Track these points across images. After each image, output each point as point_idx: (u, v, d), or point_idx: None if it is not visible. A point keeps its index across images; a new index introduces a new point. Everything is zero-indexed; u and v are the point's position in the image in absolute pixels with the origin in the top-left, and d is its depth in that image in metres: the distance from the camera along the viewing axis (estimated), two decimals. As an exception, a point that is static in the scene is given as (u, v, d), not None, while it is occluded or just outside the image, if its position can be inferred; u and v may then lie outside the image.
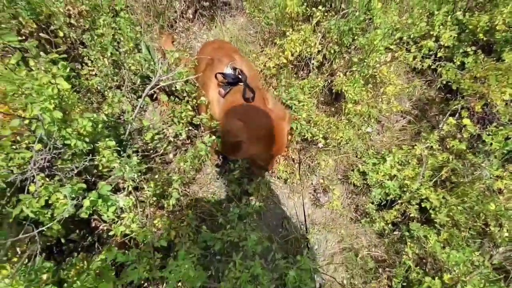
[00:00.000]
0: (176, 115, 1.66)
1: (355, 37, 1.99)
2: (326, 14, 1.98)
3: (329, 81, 2.16)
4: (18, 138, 0.97)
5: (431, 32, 1.94)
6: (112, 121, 1.62)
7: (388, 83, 2.01)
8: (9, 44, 1.08)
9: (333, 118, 1.98)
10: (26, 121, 0.94)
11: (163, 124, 2.09)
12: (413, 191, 1.83)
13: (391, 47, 2.00)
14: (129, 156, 1.24)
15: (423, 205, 1.76)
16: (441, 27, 1.91)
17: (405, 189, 1.88)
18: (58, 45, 1.63)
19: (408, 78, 2.66)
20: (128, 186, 1.15)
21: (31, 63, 0.96)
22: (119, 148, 1.23)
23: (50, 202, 1.08)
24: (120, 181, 1.22)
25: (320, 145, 1.87)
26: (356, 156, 2.21)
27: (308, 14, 1.94)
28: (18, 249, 1.03)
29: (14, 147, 0.95)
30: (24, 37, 1.46)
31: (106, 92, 1.84)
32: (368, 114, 2.00)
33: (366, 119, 2.05)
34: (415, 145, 2.00)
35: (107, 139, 1.16)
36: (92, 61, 1.73)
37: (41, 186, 1.03)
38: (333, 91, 2.01)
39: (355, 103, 1.96)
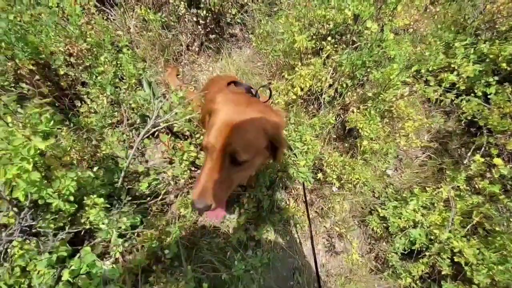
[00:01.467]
0: (178, 156, 1.54)
1: (369, 70, 1.87)
2: (336, 46, 1.89)
3: (342, 116, 2.02)
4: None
5: (452, 65, 1.81)
6: (105, 167, 1.50)
7: (406, 118, 1.86)
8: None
9: (348, 158, 1.81)
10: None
11: (163, 162, 1.98)
12: (443, 241, 1.61)
13: (408, 79, 1.87)
14: (119, 215, 1.09)
15: (455, 259, 1.53)
16: (464, 59, 1.78)
17: (432, 238, 1.66)
18: (49, 93, 1.54)
19: (425, 108, 2.51)
20: (115, 253, 1.00)
21: (9, 119, 0.86)
22: (108, 205, 1.09)
23: (27, 269, 0.94)
24: (107, 244, 1.07)
25: (334, 188, 1.70)
26: (374, 196, 2.02)
27: (318, 48, 1.84)
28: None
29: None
30: (20, 79, 1.39)
31: (104, 131, 1.74)
32: (386, 151, 1.83)
33: (383, 157, 1.88)
34: (440, 185, 1.81)
35: (94, 196, 1.02)
36: (91, 100, 1.64)
37: (15, 254, 0.89)
38: (346, 127, 1.86)
39: (371, 140, 1.81)
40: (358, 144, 1.86)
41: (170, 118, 1.34)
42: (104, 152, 1.66)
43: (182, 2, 2.02)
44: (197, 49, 2.40)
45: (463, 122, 2.05)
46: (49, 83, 1.79)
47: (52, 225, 1.05)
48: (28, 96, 1.44)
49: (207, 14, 2.12)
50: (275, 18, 2.18)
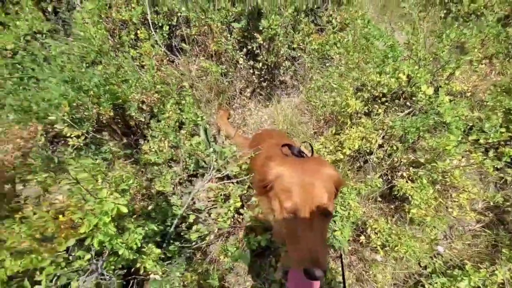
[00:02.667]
0: (225, 207, 1.62)
1: (421, 134, 1.83)
2: (388, 108, 1.90)
3: (388, 176, 1.98)
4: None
5: (515, 139, 1.71)
6: (158, 203, 1.63)
7: (461, 189, 1.76)
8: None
9: (393, 222, 1.75)
10: (81, 236, 0.95)
11: (208, 201, 2.08)
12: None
13: (466, 147, 1.79)
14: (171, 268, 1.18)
15: None
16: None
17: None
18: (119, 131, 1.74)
19: (480, 172, 2.34)
20: (167, 308, 1.07)
21: (99, 179, 1.01)
22: (163, 256, 1.18)
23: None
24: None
25: (378, 257, 1.63)
26: (419, 265, 1.89)
27: (369, 110, 1.87)
28: None
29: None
30: (100, 122, 1.62)
31: (161, 168, 1.90)
32: (437, 222, 1.73)
33: (432, 229, 1.77)
34: (495, 265, 1.65)
35: (152, 246, 1.12)
36: (153, 142, 1.82)
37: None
38: (394, 192, 1.81)
39: (420, 209, 1.73)
40: (406, 210, 1.79)
41: (223, 169, 1.43)
42: (157, 188, 1.81)
43: (241, 56, 2.20)
44: (249, 94, 2.56)
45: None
46: (119, 121, 2.03)
47: (112, 267, 1.16)
48: (106, 139, 1.66)
49: (262, 67, 2.27)
50: (326, 73, 2.27)
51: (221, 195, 1.81)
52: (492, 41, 2.64)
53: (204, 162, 1.81)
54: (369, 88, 1.85)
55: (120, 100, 1.81)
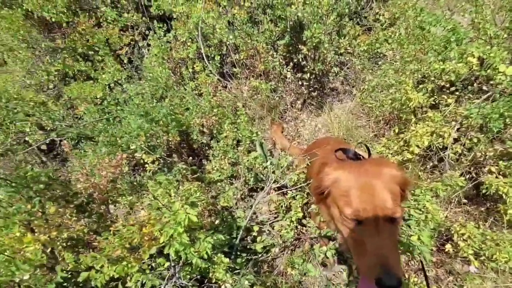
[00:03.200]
0: (287, 218, 1.62)
1: (509, 121, 1.56)
2: (459, 98, 1.68)
3: (473, 174, 1.71)
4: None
5: None
6: (223, 218, 1.72)
7: None
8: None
9: (487, 228, 1.48)
10: (161, 245, 1.08)
11: (271, 215, 2.11)
12: None
13: None
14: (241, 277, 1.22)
15: None
16: None
17: None
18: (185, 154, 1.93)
19: None
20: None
21: (172, 193, 1.15)
22: (231, 265, 1.24)
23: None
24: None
25: (472, 268, 1.39)
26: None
27: (437, 101, 1.69)
28: None
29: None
30: (171, 150, 1.84)
31: (223, 185, 2.03)
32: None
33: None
34: None
35: (222, 255, 1.18)
36: (215, 161, 1.97)
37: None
38: (481, 190, 1.55)
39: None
40: (502, 212, 1.50)
41: (283, 182, 1.45)
42: (222, 204, 1.92)
43: (288, 71, 2.26)
44: (300, 106, 2.58)
45: None
46: (185, 145, 2.26)
47: (188, 276, 1.26)
48: (175, 162, 1.87)
49: (310, 77, 2.28)
50: (379, 72, 2.15)
51: (281, 206, 1.82)
52: None
53: (262, 175, 1.86)
54: (432, 78, 1.69)
55: (184, 127, 2.03)
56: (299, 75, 2.32)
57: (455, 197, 1.67)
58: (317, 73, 2.28)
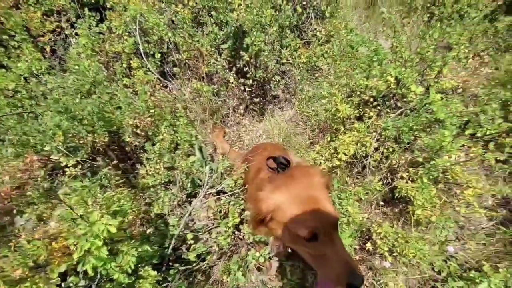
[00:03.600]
0: (223, 224, 1.59)
1: (417, 133, 1.82)
2: (380, 111, 1.90)
3: (389, 179, 1.94)
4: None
5: (513, 129, 1.67)
6: (156, 226, 1.61)
7: (465, 185, 1.71)
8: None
9: (399, 227, 1.69)
10: (74, 261, 0.94)
11: (209, 222, 2.05)
12: None
13: (465, 143, 1.76)
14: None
15: None
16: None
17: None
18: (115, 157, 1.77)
19: (484, 167, 2.29)
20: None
21: (89, 202, 1.02)
22: (160, 278, 1.15)
23: None
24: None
25: (387, 264, 1.56)
26: (433, 270, 1.80)
27: (361, 114, 1.87)
28: None
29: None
30: (96, 152, 1.65)
31: (158, 191, 1.90)
32: (444, 222, 1.67)
33: (441, 228, 1.71)
34: (515, 264, 1.56)
35: (149, 268, 1.09)
36: (150, 165, 1.84)
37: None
38: (395, 193, 1.77)
39: (425, 209, 1.68)
40: (411, 212, 1.73)
41: (220, 187, 1.42)
42: (156, 211, 1.79)
43: (231, 75, 2.26)
44: (242, 111, 2.60)
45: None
46: (115, 147, 2.06)
47: (109, 295, 1.13)
48: (101, 166, 1.68)
49: (252, 83, 2.32)
50: (316, 84, 2.31)
51: (220, 211, 1.79)
52: (480, 38, 2.69)
53: (200, 180, 1.80)
54: (358, 93, 1.87)
55: (115, 127, 1.85)
56: (242, 80, 2.33)
57: (374, 200, 1.86)
58: (259, 80, 2.33)
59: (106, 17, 2.38)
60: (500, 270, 1.55)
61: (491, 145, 1.72)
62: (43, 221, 1.32)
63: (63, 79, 1.90)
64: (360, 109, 1.84)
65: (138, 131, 1.85)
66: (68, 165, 1.57)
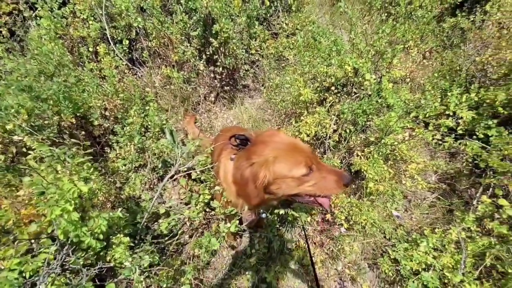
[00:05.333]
0: (194, 199, 1.67)
1: (370, 117, 2.03)
2: (339, 96, 2.09)
3: (347, 158, 2.14)
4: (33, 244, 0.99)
5: (447, 112, 1.94)
6: (127, 207, 1.65)
7: (409, 161, 1.96)
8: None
9: (355, 199, 1.89)
10: (45, 224, 0.97)
11: (180, 203, 2.11)
12: (456, 285, 1.59)
13: (408, 124, 2.00)
14: (140, 256, 1.20)
15: (472, 305, 1.50)
16: (456, 107, 1.92)
17: (446, 282, 1.64)
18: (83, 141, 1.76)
19: (429, 150, 2.60)
20: (137, 289, 1.09)
21: (59, 167, 1.04)
22: (132, 244, 1.20)
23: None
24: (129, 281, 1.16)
25: (343, 229, 1.75)
26: (385, 237, 2.03)
27: (322, 98, 2.04)
28: None
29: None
30: (62, 131, 1.63)
31: (129, 174, 1.92)
32: (391, 193, 1.90)
33: (390, 197, 1.94)
34: (450, 227, 1.83)
35: (121, 235, 1.14)
36: (119, 147, 1.85)
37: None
38: (351, 170, 1.97)
39: (377, 182, 1.89)
40: (364, 186, 1.94)
41: (191, 165, 1.50)
42: (127, 193, 1.82)
43: (201, 63, 2.33)
44: (213, 99, 2.68)
45: (469, 163, 2.12)
46: (83, 132, 2.04)
47: (81, 262, 1.16)
48: (68, 145, 1.66)
49: (222, 71, 2.41)
50: (282, 73, 2.45)
51: (190, 191, 1.86)
52: (430, 36, 3.03)
53: (171, 159, 1.86)
54: (319, 79, 2.04)
55: (82, 110, 1.84)
56: (212, 68, 2.41)
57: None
58: (228, 67, 2.42)
59: (69, 0, 2.32)
60: (437, 231, 1.80)
61: (431, 126, 1.98)
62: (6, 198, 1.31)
63: (25, 59, 1.84)
64: (321, 94, 2.01)
65: (107, 113, 1.85)
66: (33, 147, 1.55)
